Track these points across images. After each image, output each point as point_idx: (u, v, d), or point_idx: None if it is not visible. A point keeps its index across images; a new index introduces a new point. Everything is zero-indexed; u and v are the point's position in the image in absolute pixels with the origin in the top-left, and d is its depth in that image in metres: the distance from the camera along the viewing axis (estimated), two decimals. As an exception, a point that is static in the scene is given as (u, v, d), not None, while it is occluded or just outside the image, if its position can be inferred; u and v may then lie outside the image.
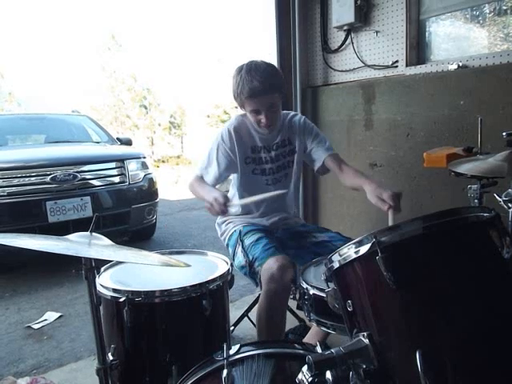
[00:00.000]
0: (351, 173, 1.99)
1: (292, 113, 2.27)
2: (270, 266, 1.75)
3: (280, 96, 1.97)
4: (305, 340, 2.17)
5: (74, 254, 1.12)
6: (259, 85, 1.83)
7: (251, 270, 1.88)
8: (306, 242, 2.07)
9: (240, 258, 1.96)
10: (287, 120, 2.18)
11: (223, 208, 1.77)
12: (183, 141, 18.77)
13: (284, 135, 2.15)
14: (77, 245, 1.24)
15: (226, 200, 1.78)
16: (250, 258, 1.89)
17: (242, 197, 2.13)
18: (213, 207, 1.78)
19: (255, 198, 1.87)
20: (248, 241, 1.97)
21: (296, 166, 2.18)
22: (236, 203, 1.98)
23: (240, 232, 2.07)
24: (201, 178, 2.09)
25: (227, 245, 2.16)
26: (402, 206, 2.56)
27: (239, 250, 1.99)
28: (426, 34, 2.56)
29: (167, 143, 18.43)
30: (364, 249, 0.90)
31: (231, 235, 2.13)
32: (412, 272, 0.88)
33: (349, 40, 2.81)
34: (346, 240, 1.95)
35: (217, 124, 15.48)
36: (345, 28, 2.78)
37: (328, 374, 0.86)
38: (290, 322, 2.47)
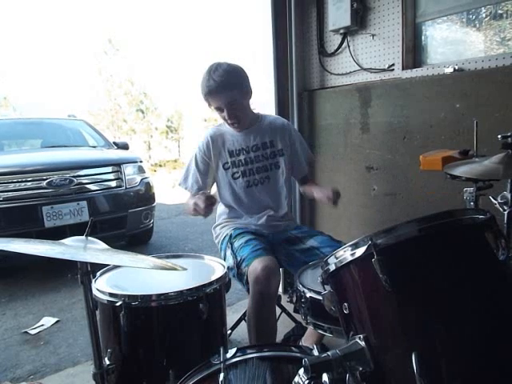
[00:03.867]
0: (307, 184, 2.32)
1: (273, 116, 2.36)
2: (255, 267, 1.76)
3: (242, 94, 2.05)
4: (302, 340, 2.18)
5: (69, 259, 1.12)
6: (214, 83, 1.96)
7: (238, 272, 1.88)
8: (295, 250, 2.07)
9: (230, 260, 1.96)
10: (267, 122, 2.24)
11: (206, 206, 1.84)
12: (180, 145, 18.77)
13: (264, 137, 2.19)
14: (72, 249, 1.23)
15: (207, 198, 1.86)
16: (238, 258, 1.90)
17: (226, 204, 2.22)
18: (196, 210, 1.88)
19: None
20: (237, 243, 1.99)
21: (283, 169, 2.19)
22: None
23: (230, 235, 2.09)
24: (188, 195, 2.18)
25: (220, 248, 2.18)
26: (398, 209, 2.59)
27: (229, 252, 2.01)
28: (422, 37, 2.57)
29: (164, 147, 18.43)
30: (360, 251, 0.90)
31: (223, 239, 2.15)
32: (408, 274, 0.88)
33: (345, 43, 2.82)
34: (336, 246, 1.95)
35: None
36: (341, 31, 2.79)
37: (324, 377, 0.87)
38: (288, 326, 2.47)
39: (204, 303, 1.48)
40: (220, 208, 2.27)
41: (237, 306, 3.06)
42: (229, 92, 1.98)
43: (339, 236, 2.15)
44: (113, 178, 4.48)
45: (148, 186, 4.80)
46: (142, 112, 18.52)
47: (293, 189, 3.06)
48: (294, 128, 2.39)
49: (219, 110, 2.05)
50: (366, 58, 2.72)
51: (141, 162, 4.94)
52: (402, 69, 2.53)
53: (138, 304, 1.45)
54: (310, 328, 2.10)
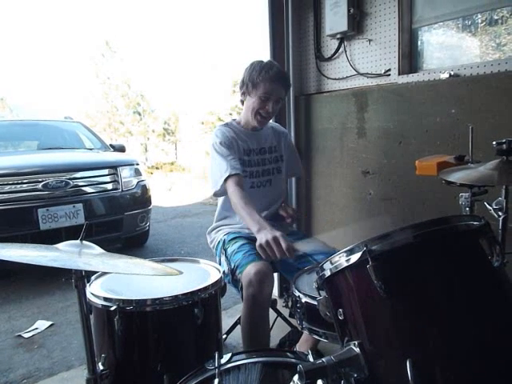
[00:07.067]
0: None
1: (274, 123, 2.43)
2: (248, 272, 1.76)
3: (284, 97, 2.17)
4: (297, 345, 2.17)
5: (61, 266, 1.09)
6: (281, 73, 2.07)
7: (233, 278, 1.88)
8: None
9: (224, 267, 1.96)
10: (270, 127, 2.30)
11: (285, 252, 1.57)
12: (177, 147, 18.76)
13: (271, 141, 2.24)
14: (66, 255, 1.22)
15: (289, 245, 1.59)
16: (232, 265, 1.90)
17: (224, 198, 2.14)
18: (270, 248, 1.59)
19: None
20: (230, 249, 1.99)
21: (284, 174, 2.26)
22: (300, 248, 1.70)
23: (224, 241, 2.09)
24: (240, 190, 1.91)
25: (215, 254, 2.18)
26: (394, 214, 2.60)
27: (223, 258, 2.01)
28: (419, 42, 2.58)
29: (161, 150, 18.41)
30: (355, 257, 0.90)
31: (217, 245, 2.16)
32: (403, 280, 0.88)
33: (342, 48, 2.82)
34: (329, 253, 1.85)
35: (211, 131, 15.47)
36: (338, 36, 2.80)
37: (319, 383, 0.86)
38: (283, 330, 2.46)
39: (199, 308, 1.48)
40: (217, 208, 2.27)
41: (232, 310, 3.05)
42: (286, 88, 2.11)
43: (335, 240, 2.15)
44: (109, 180, 4.46)
45: (144, 189, 4.79)
46: (139, 114, 18.51)
47: (289, 193, 3.07)
48: (291, 139, 2.44)
49: (264, 99, 2.01)
50: (363, 62, 2.73)
51: (137, 164, 4.92)
52: (398, 74, 2.54)
53: (132, 308, 1.44)
54: (305, 333, 2.10)
